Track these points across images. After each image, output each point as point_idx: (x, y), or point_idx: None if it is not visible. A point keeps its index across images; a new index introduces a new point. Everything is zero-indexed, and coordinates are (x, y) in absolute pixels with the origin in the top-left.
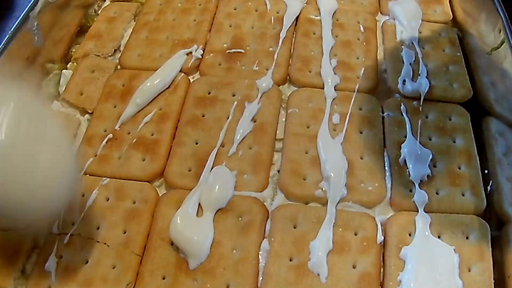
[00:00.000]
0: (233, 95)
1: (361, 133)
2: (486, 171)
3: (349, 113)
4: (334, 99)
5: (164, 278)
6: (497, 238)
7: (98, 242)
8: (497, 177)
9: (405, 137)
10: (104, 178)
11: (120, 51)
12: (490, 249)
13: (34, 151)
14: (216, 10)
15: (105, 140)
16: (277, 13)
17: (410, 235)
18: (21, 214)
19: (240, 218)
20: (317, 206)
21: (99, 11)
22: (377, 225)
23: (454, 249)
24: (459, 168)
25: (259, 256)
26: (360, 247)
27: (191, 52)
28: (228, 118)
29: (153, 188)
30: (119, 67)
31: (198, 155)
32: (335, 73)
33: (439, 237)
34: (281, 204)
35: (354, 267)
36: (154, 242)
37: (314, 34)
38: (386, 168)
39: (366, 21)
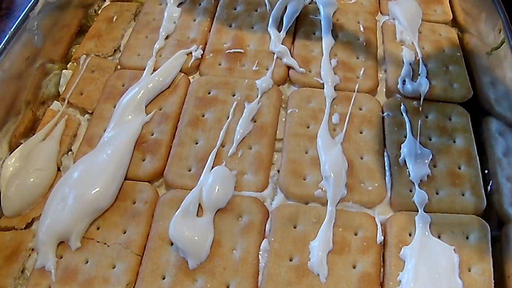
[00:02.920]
0: (233, 95)
1: (361, 133)
2: (486, 171)
3: (349, 113)
4: (334, 99)
5: (164, 278)
6: (497, 238)
7: (98, 242)
8: (497, 177)
9: (405, 137)
10: None
11: (120, 51)
12: (490, 249)
13: None
14: (216, 10)
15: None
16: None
17: (410, 235)
18: None
19: (240, 218)
20: (317, 206)
21: (99, 11)
22: (377, 225)
23: (454, 249)
24: (459, 168)
25: (259, 256)
26: (360, 247)
27: (191, 52)
28: (228, 118)
29: (153, 188)
30: (119, 67)
31: (198, 155)
32: (335, 73)
33: (439, 237)
34: (281, 204)
35: (354, 267)
36: (154, 242)
37: (314, 34)
38: (386, 168)
39: (366, 21)
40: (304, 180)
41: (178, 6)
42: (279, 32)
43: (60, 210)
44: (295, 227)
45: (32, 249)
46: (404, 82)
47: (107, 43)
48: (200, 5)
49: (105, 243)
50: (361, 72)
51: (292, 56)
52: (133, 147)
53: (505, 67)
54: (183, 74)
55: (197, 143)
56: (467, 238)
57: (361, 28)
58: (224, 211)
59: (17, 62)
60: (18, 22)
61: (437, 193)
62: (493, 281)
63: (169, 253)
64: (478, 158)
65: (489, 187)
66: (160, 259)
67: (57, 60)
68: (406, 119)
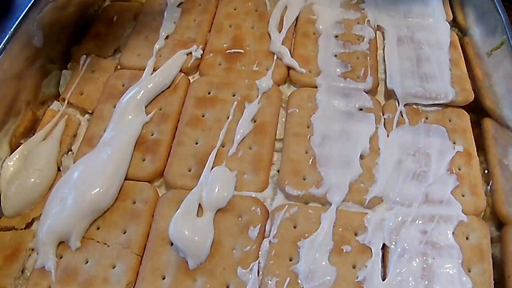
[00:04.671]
0: (233, 95)
1: None
2: (486, 171)
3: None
4: None
5: (164, 278)
6: (497, 238)
7: (98, 242)
8: (497, 177)
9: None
10: None
11: (120, 51)
12: (490, 249)
13: None
14: (216, 10)
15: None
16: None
17: None
18: None
19: (240, 218)
20: (317, 206)
21: (99, 11)
22: None
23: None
24: (459, 169)
25: (259, 256)
26: (360, 247)
27: (191, 52)
28: (228, 118)
29: (153, 188)
30: (119, 67)
31: (198, 155)
32: (335, 73)
33: None
34: (281, 204)
35: (354, 267)
36: (154, 242)
37: (314, 34)
38: None
39: (366, 21)
40: (304, 180)
41: (178, 6)
42: (279, 32)
43: (60, 210)
44: (295, 227)
45: (32, 249)
46: (404, 82)
47: (107, 43)
48: (200, 5)
49: (105, 243)
50: (361, 72)
51: (292, 56)
52: (133, 147)
53: (505, 67)
54: (183, 74)
55: (197, 143)
56: (467, 238)
57: (361, 28)
58: (224, 211)
59: (17, 62)
60: (18, 22)
61: None
62: (493, 281)
63: (169, 253)
64: (478, 158)
65: (489, 187)
66: (160, 259)
67: (57, 60)
68: (406, 121)
